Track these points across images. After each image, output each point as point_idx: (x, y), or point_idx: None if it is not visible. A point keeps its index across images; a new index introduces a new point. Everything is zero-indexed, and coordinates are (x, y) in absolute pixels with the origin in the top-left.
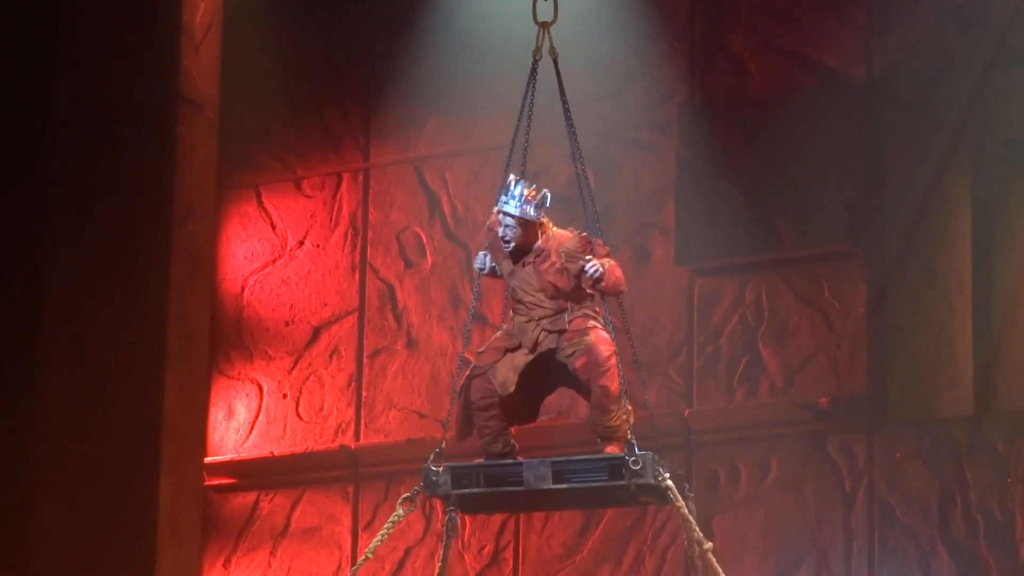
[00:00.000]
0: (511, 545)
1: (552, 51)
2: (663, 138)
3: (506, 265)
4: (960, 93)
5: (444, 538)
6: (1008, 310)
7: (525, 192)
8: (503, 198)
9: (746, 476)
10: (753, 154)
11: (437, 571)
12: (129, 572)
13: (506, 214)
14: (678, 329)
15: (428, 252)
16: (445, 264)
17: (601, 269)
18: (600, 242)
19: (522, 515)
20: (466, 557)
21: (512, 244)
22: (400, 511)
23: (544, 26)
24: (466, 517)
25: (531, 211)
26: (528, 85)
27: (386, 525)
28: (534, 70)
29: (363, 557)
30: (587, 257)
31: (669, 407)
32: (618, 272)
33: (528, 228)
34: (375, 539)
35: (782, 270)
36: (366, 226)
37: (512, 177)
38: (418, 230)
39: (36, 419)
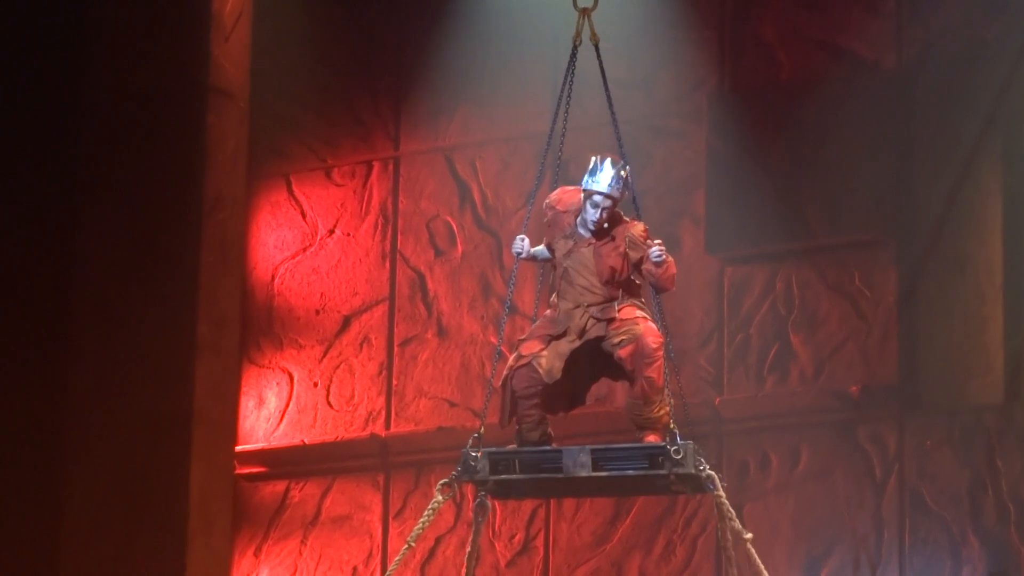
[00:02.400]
0: (542, 533)
1: (593, 37)
2: (693, 126)
3: (563, 244)
4: (990, 80)
5: (474, 521)
6: None
7: (613, 170)
8: (593, 178)
9: (777, 464)
10: (783, 142)
11: (467, 554)
12: (160, 560)
13: (602, 194)
14: (708, 317)
15: (458, 241)
16: (476, 253)
17: (665, 256)
18: (660, 241)
19: (553, 504)
20: (497, 545)
21: (601, 226)
22: (439, 497)
23: (585, 12)
24: (496, 503)
25: (621, 188)
26: (568, 71)
27: (426, 512)
28: (573, 56)
29: (405, 546)
30: (658, 246)
31: (699, 395)
32: (674, 269)
33: (616, 206)
34: (416, 527)
35: (812, 258)
36: (396, 215)
37: (596, 157)
38: (448, 219)
39: (67, 408)
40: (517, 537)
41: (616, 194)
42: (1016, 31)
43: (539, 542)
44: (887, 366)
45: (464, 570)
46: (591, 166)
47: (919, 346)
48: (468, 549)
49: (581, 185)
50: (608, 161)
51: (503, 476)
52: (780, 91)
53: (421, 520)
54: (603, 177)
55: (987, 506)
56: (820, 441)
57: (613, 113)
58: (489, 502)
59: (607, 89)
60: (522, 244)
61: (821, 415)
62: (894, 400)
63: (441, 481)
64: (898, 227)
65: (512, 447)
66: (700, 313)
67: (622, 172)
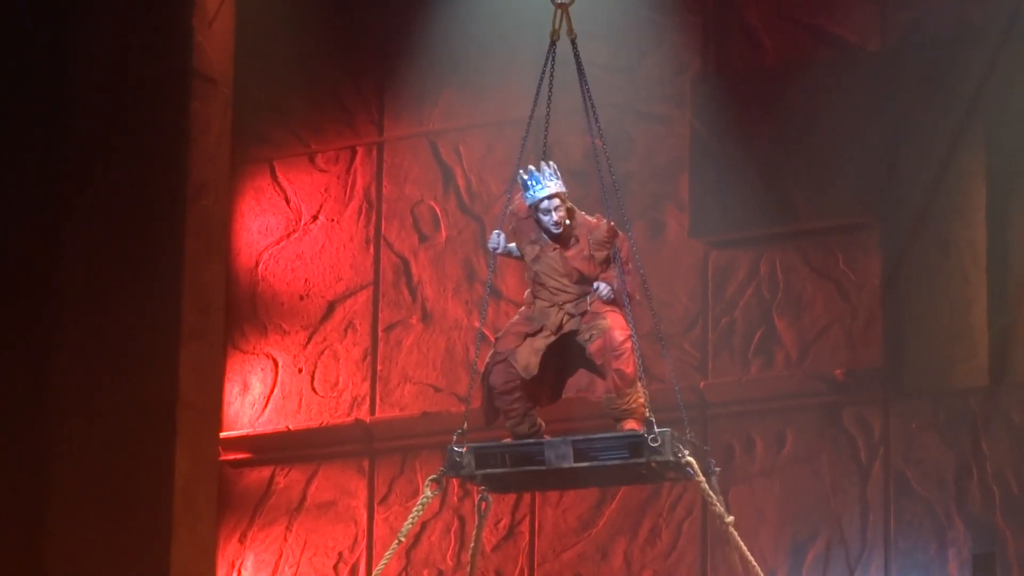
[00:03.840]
0: (527, 519)
1: (570, 32)
2: (677, 110)
3: (530, 250)
4: (975, 64)
5: (478, 519)
6: (1023, 280)
7: (542, 171)
8: (530, 192)
9: (762, 448)
10: (767, 126)
11: (471, 551)
12: (146, 547)
13: (546, 197)
14: (693, 302)
15: (442, 226)
16: (460, 238)
17: (612, 295)
18: (624, 236)
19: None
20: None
21: (563, 223)
22: (428, 493)
23: (562, 7)
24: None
25: (560, 181)
26: (545, 66)
27: (415, 508)
28: (551, 51)
29: (395, 542)
30: (607, 287)
31: (684, 380)
32: (631, 284)
33: (566, 200)
34: (406, 522)
35: (797, 242)
36: (380, 200)
37: (527, 167)
38: (432, 204)
39: (53, 395)
40: (503, 522)
41: (559, 188)
42: (1000, 15)
43: (524, 527)
44: (872, 350)
45: (468, 567)
46: (521, 183)
47: (904, 330)
48: (472, 545)
49: (525, 202)
50: (531, 169)
51: (489, 470)
52: (764, 75)
53: (411, 515)
54: (539, 182)
55: (972, 489)
56: (805, 425)
57: (592, 106)
58: (491, 497)
59: (585, 84)
60: (498, 239)
61: (806, 399)
62: (879, 383)
63: (430, 477)
64: (882, 210)
65: (500, 441)
66: (685, 297)
67: (552, 166)
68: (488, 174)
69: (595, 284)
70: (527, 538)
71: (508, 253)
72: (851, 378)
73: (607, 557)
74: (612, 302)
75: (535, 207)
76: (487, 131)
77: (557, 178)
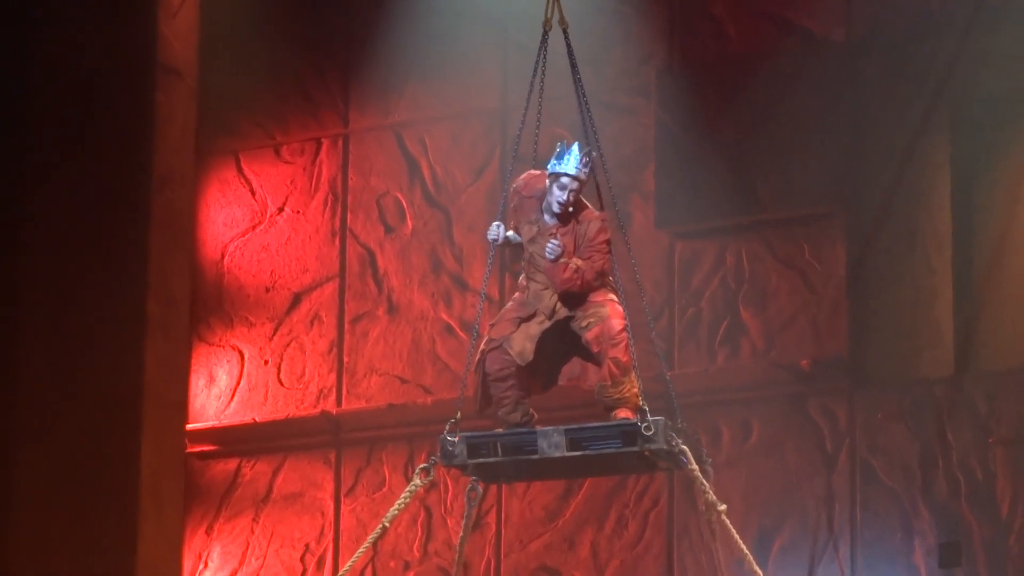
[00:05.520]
0: (494, 509)
1: (562, 22)
2: (642, 101)
3: (527, 230)
4: (939, 54)
5: (467, 508)
6: (987, 270)
7: (580, 153)
8: (559, 162)
9: (728, 438)
10: (732, 117)
11: (459, 540)
12: (112, 540)
13: (569, 176)
14: (659, 292)
15: (408, 217)
16: (425, 229)
17: (557, 256)
18: (607, 239)
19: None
20: (449, 521)
21: (568, 208)
22: (417, 481)
23: None
24: (449, 481)
25: (588, 172)
26: (538, 57)
27: (403, 495)
28: (544, 41)
29: (379, 528)
30: (555, 241)
31: (651, 370)
32: (568, 275)
33: (582, 189)
34: (392, 509)
35: (762, 232)
36: (346, 192)
37: (563, 141)
38: (398, 195)
39: (17, 388)
40: None
41: (583, 176)
42: (964, 5)
43: (491, 518)
44: (837, 339)
45: (456, 555)
46: (558, 150)
47: (869, 319)
48: (460, 535)
49: (547, 169)
50: (576, 145)
51: (481, 460)
52: (729, 65)
53: (398, 503)
54: (570, 160)
55: (937, 478)
56: (771, 415)
57: (583, 97)
58: (480, 487)
59: (577, 73)
60: (497, 231)
61: (772, 389)
62: (844, 373)
63: (420, 466)
64: (848, 201)
65: (494, 430)
66: (650, 288)
67: (589, 156)
68: (453, 165)
69: (546, 245)
70: (494, 529)
71: (507, 242)
72: (817, 368)
73: (574, 547)
74: (562, 269)
75: (555, 177)
76: (452, 122)
77: (587, 168)
